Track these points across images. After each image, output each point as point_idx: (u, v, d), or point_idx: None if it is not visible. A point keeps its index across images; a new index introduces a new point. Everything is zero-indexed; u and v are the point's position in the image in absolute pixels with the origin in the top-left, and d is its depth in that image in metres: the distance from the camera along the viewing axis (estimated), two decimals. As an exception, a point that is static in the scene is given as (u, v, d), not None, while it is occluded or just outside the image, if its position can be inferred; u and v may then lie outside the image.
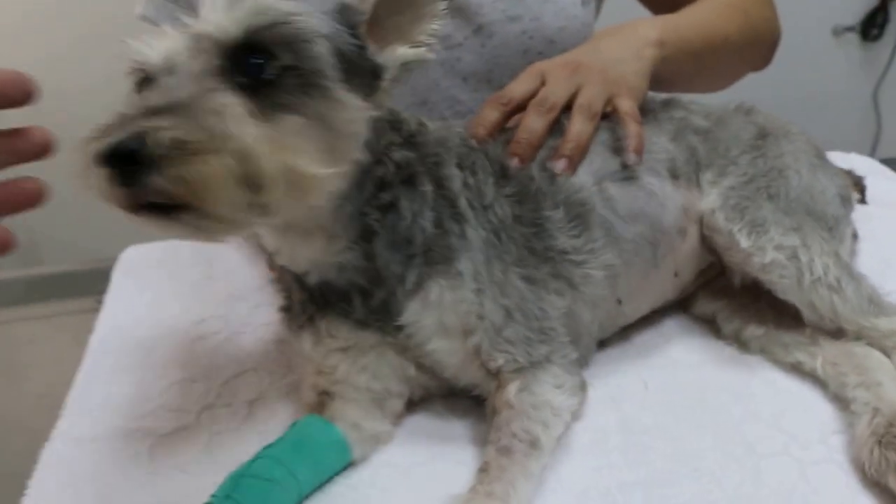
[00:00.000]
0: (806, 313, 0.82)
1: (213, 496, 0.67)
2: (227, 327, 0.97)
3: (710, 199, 0.86)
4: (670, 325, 0.93)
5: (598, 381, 0.82)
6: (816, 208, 0.85)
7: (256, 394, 0.86)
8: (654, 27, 0.94)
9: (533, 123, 0.83)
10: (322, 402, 0.78)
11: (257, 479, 0.68)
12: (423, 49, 0.71)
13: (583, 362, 0.82)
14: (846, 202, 0.91)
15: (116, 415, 0.84)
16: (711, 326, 0.92)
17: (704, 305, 0.92)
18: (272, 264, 0.82)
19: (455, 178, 0.77)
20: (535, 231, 0.79)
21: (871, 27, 2.60)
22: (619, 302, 0.85)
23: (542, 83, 0.86)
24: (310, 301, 0.77)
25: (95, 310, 1.01)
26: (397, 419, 0.81)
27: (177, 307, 1.01)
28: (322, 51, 0.65)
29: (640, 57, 0.91)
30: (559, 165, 0.81)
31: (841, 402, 0.78)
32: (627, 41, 0.92)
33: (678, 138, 0.89)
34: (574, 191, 0.81)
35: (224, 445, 0.79)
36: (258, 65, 0.63)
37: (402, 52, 0.70)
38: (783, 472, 0.72)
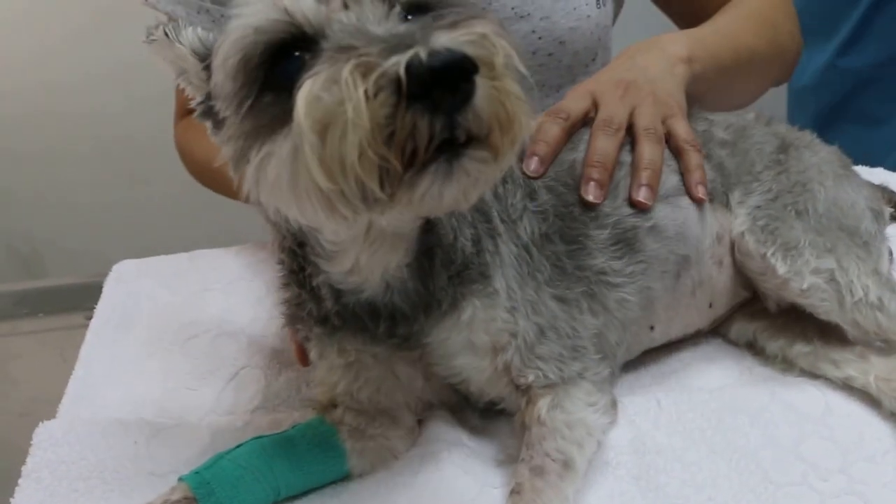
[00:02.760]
0: (850, 330, 0.81)
1: (192, 471, 0.68)
2: (221, 336, 0.94)
3: (738, 221, 0.83)
4: (688, 350, 0.89)
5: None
6: (848, 223, 0.83)
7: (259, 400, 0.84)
8: (682, 43, 0.91)
9: (604, 145, 0.79)
10: (326, 406, 0.76)
11: (233, 464, 0.68)
12: None
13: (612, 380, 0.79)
14: (879, 216, 0.88)
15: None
16: (735, 352, 0.89)
17: (742, 329, 0.89)
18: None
19: None
20: (573, 248, 0.76)
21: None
22: (652, 328, 0.83)
23: (594, 102, 0.83)
24: (336, 316, 0.71)
25: (84, 326, 0.97)
26: (410, 434, 0.77)
27: (172, 318, 0.98)
28: None
29: (673, 74, 0.88)
30: (642, 194, 0.78)
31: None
32: (659, 58, 0.89)
33: (707, 155, 0.85)
34: (627, 213, 0.79)
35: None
36: None
37: None
38: (801, 504, 0.69)
